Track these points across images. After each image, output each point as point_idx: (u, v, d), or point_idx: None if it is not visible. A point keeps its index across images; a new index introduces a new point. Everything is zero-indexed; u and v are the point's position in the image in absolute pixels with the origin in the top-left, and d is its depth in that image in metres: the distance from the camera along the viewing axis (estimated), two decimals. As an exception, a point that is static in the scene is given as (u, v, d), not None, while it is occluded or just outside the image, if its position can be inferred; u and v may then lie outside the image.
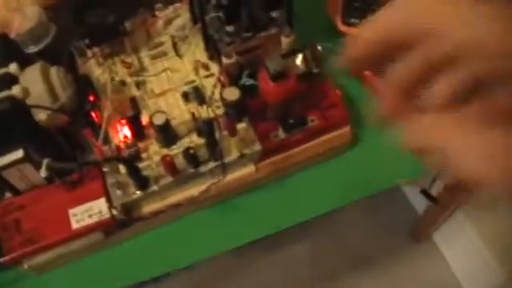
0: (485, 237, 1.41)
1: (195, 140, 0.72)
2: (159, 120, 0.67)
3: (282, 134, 0.73)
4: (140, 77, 0.78)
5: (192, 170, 0.71)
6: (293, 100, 0.71)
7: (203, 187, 0.72)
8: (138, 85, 0.77)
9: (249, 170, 0.74)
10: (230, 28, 0.75)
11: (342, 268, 1.52)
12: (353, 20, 0.85)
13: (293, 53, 0.78)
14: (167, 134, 0.70)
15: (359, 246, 1.54)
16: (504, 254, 1.37)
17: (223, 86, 0.74)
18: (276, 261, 1.51)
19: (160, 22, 0.81)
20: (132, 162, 0.67)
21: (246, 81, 0.74)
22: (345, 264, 1.52)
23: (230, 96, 0.68)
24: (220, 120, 0.70)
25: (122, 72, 0.78)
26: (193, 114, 0.72)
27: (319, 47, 0.81)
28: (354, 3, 0.85)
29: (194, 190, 0.73)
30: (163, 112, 0.68)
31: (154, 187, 0.71)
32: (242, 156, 0.72)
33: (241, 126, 0.72)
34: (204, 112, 0.73)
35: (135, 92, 0.76)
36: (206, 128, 0.67)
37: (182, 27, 0.79)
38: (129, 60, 0.79)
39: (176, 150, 0.72)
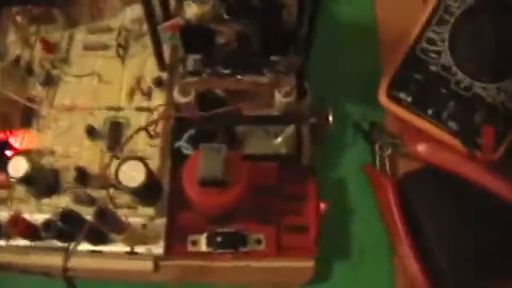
0: None
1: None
2: (17, 170, 0.43)
3: (204, 244, 0.47)
4: (56, 69, 0.52)
5: (57, 243, 0.47)
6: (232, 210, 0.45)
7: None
8: (49, 81, 0.52)
9: (144, 266, 0.49)
10: (196, 55, 0.47)
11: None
12: (401, 94, 0.55)
13: (284, 121, 0.51)
14: (36, 185, 0.46)
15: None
16: None
17: (151, 137, 0.48)
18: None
19: (118, -2, 0.53)
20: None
21: (183, 146, 0.47)
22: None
23: (127, 179, 0.42)
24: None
25: (38, 52, 0.53)
26: (79, 169, 0.47)
27: (331, 117, 0.53)
28: (412, 74, 0.54)
29: (56, 260, 0.49)
30: (27, 156, 0.43)
31: (1, 242, 0.48)
32: (133, 253, 0.47)
33: (148, 211, 0.47)
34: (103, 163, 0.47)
35: (38, 91, 0.51)
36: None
37: (138, 20, 0.51)
38: (56, 37, 0.53)
39: (47, 206, 0.47)
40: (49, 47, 0.52)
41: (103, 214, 0.39)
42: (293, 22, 0.44)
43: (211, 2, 0.43)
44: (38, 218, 0.47)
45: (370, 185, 0.54)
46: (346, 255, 0.52)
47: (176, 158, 0.48)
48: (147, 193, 0.44)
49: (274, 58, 0.47)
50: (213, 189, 0.41)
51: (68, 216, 0.40)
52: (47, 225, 0.44)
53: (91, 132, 0.47)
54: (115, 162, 0.44)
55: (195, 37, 0.44)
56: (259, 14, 0.45)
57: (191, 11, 0.43)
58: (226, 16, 0.47)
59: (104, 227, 0.42)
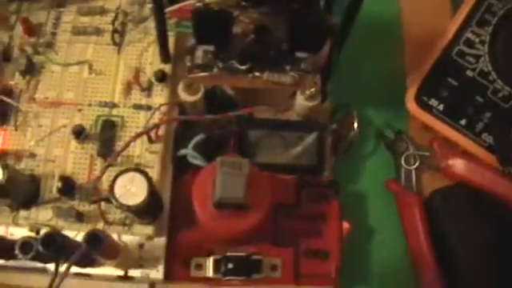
0: None
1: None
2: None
3: (210, 269, 0.40)
4: (39, 55, 0.44)
5: (35, 264, 0.39)
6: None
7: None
8: (30, 69, 0.44)
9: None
10: (208, 46, 0.40)
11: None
12: (431, 101, 0.48)
13: (305, 127, 0.44)
14: (12, 195, 0.38)
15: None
16: None
17: (151, 141, 0.41)
18: None
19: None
20: None
21: (189, 153, 0.40)
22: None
23: (125, 195, 0.34)
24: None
25: (18, 34, 0.45)
26: (64, 179, 0.39)
27: (356, 125, 0.47)
28: (445, 79, 0.48)
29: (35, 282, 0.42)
30: (1, 160, 0.36)
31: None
32: (127, 277, 0.40)
33: (146, 229, 0.40)
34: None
35: (17, 81, 0.43)
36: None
37: (138, 1, 0.44)
38: (40, 18, 0.45)
39: (25, 219, 0.40)
40: (31, 29, 0.44)
41: (96, 241, 0.32)
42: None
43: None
44: (13, 232, 0.40)
45: (394, 201, 0.48)
46: (363, 281, 0.46)
47: (179, 168, 0.40)
48: (146, 210, 0.37)
49: (300, 54, 0.41)
50: (230, 212, 0.34)
51: (51, 240, 0.32)
52: (25, 247, 0.36)
53: (79, 133, 0.40)
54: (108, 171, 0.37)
55: (212, 24, 0.37)
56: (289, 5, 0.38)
57: (210, -6, 0.36)
58: (243, 3, 0.40)
59: (95, 254, 0.34)
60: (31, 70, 0.43)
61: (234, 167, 0.33)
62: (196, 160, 0.39)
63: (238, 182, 0.33)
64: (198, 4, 0.35)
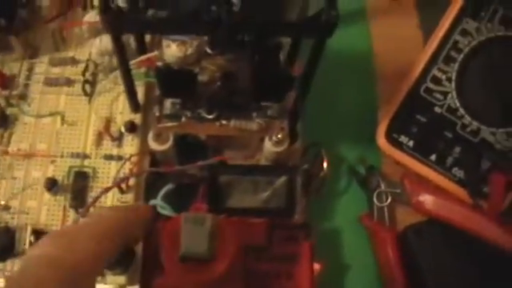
0: None
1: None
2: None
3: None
4: (12, 107, 0.45)
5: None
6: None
7: None
8: (3, 121, 0.45)
9: None
10: (175, 99, 0.41)
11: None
12: (401, 138, 0.49)
13: (274, 171, 0.45)
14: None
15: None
16: None
17: (122, 192, 0.42)
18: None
19: (85, 26, 0.47)
20: None
21: (158, 204, 0.41)
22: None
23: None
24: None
25: (-9, 85, 0.46)
26: (37, 233, 0.40)
27: (325, 164, 0.47)
28: (414, 116, 0.49)
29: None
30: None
31: None
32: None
33: (118, 278, 0.41)
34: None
35: (-8, 133, 0.45)
36: None
37: (107, 52, 0.45)
38: (12, 70, 0.46)
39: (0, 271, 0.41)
40: (4, 82, 0.45)
41: None
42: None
43: (195, 43, 0.37)
44: (-11, 284, 0.41)
45: (367, 237, 0.49)
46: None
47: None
48: (117, 262, 0.37)
49: (265, 103, 0.42)
50: (196, 264, 0.34)
51: None
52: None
53: (52, 186, 0.41)
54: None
55: (174, 82, 0.38)
56: (250, 52, 0.39)
57: (170, 53, 0.36)
58: (209, 51, 0.41)
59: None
60: (5, 122, 0.44)
61: (197, 223, 0.34)
62: (165, 210, 0.40)
63: (201, 238, 0.33)
64: (159, 63, 0.36)
